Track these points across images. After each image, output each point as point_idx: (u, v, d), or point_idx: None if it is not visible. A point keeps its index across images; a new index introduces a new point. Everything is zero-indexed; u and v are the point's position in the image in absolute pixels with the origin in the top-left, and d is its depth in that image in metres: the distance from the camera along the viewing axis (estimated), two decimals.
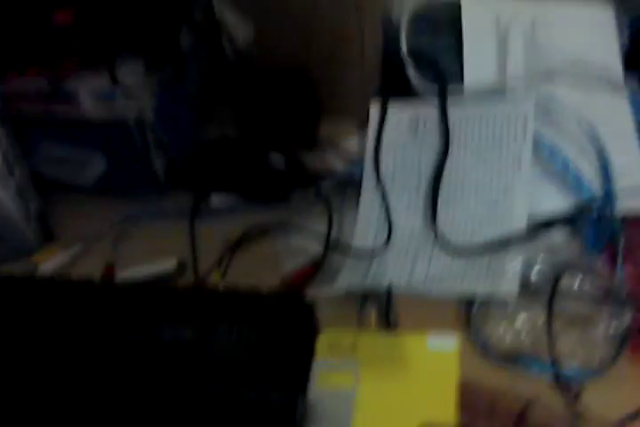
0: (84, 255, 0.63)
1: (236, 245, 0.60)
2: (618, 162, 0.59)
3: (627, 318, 0.51)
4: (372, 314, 0.56)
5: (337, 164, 0.68)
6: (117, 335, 0.46)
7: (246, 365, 0.44)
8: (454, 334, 0.47)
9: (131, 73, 0.58)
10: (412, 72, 0.64)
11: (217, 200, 0.65)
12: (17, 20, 0.57)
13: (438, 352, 0.47)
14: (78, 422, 0.43)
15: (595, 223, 0.57)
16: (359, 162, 0.65)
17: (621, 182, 0.58)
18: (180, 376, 0.44)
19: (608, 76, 0.63)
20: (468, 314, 0.54)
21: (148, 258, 0.61)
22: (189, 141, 0.65)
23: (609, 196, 0.57)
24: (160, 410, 0.43)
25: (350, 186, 0.65)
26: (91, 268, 0.60)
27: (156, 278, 0.58)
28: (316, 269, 0.59)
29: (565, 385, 0.48)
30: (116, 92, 0.58)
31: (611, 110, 0.62)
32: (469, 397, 0.45)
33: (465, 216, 0.59)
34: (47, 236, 0.63)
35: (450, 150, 0.61)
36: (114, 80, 0.56)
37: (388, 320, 0.54)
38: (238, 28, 0.63)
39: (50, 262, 0.60)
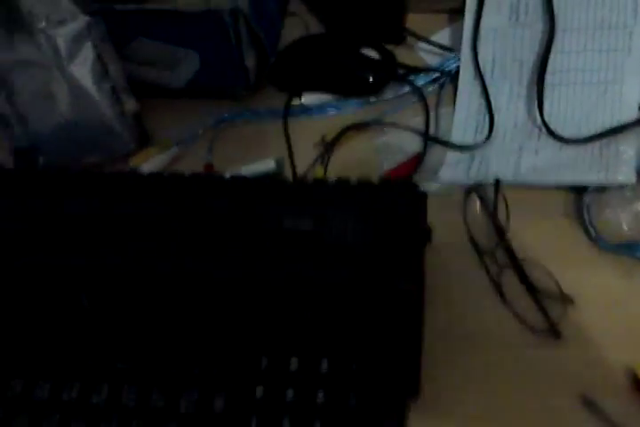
0: (180, 158, 0.62)
1: (334, 143, 0.59)
2: None
3: None
4: (477, 205, 0.55)
5: (428, 57, 0.65)
6: (238, 224, 0.46)
7: (364, 251, 0.44)
8: None
9: None
10: None
11: (309, 98, 0.63)
12: None
13: None
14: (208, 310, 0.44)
15: None
16: (454, 54, 0.63)
17: None
18: (304, 262, 0.44)
19: None
20: (580, 203, 0.53)
21: (244, 159, 0.60)
22: (278, 37, 0.63)
23: None
24: (285, 295, 0.44)
25: (445, 80, 0.63)
26: (189, 170, 0.60)
27: None
28: (416, 163, 0.58)
29: None
30: None
31: None
32: None
33: (572, 106, 0.57)
34: (143, 138, 0.62)
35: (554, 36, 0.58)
36: None
37: (495, 211, 0.53)
38: None
39: (148, 164, 0.61)
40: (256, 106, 0.65)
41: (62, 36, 0.57)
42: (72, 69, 0.58)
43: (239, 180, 0.50)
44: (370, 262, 0.43)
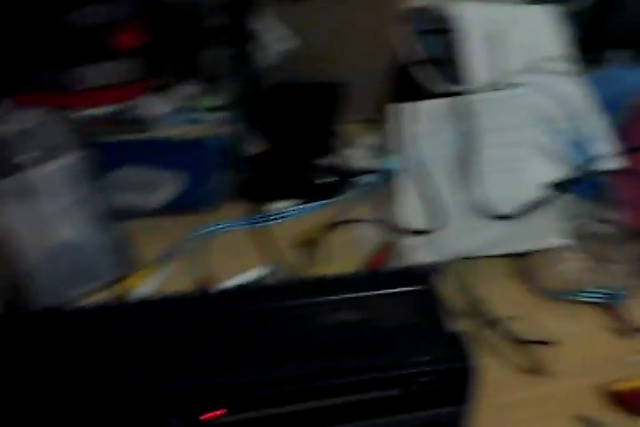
0: (170, 276, 0.66)
1: (319, 241, 0.68)
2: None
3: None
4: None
5: (361, 161, 0.77)
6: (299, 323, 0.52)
7: (405, 332, 0.53)
8: None
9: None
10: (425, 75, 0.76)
11: (275, 206, 0.71)
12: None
13: None
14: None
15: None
16: (389, 156, 0.75)
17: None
18: (357, 350, 0.51)
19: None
20: (527, 264, 0.67)
21: (232, 266, 0.65)
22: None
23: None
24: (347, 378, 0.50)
25: (386, 178, 0.75)
26: (184, 286, 0.63)
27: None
28: (388, 251, 0.68)
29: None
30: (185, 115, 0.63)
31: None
32: None
33: (495, 190, 0.72)
34: (126, 265, 0.64)
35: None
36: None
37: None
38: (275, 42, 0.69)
39: (142, 288, 0.63)
40: (219, 218, 0.71)
41: (52, 168, 0.59)
42: (60, 200, 0.60)
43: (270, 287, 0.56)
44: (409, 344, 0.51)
